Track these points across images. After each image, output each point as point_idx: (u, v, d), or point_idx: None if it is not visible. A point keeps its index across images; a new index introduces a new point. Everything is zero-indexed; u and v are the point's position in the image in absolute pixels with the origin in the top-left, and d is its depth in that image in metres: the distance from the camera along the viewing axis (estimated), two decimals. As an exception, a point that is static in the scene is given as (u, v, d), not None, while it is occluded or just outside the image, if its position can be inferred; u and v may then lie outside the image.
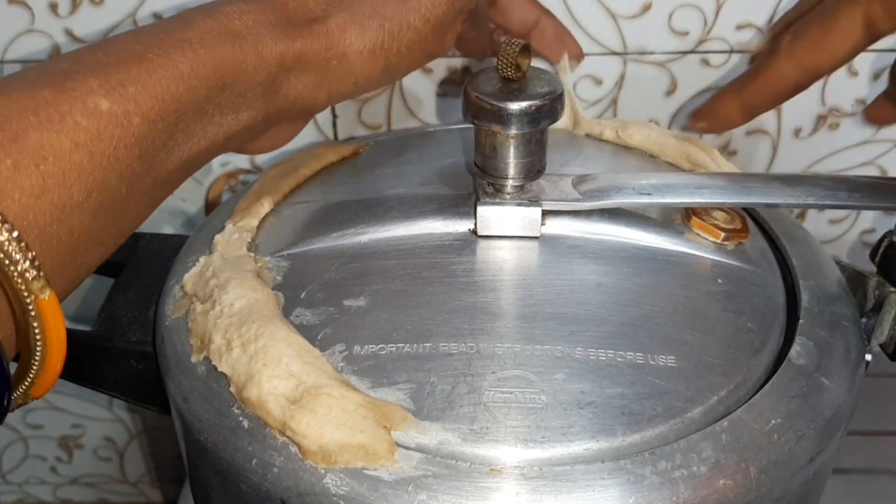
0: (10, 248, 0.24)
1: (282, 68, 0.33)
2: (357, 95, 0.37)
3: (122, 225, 0.30)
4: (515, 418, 0.30)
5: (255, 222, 0.40)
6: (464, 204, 0.39)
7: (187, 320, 0.36)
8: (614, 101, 0.54)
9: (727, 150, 0.56)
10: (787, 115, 0.54)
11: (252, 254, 0.38)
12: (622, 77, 0.53)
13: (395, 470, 0.29)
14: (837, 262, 0.40)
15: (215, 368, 0.33)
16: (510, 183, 0.37)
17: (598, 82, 0.53)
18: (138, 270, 0.42)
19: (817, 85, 0.53)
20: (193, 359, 0.34)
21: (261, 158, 0.58)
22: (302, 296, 0.36)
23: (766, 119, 0.55)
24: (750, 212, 0.42)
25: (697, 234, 0.39)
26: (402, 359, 0.33)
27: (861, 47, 0.39)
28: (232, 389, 0.32)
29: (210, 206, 0.60)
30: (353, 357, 0.33)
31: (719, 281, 0.37)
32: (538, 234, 0.38)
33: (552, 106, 0.35)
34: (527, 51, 0.36)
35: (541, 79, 0.36)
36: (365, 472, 0.29)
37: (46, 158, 0.26)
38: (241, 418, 0.32)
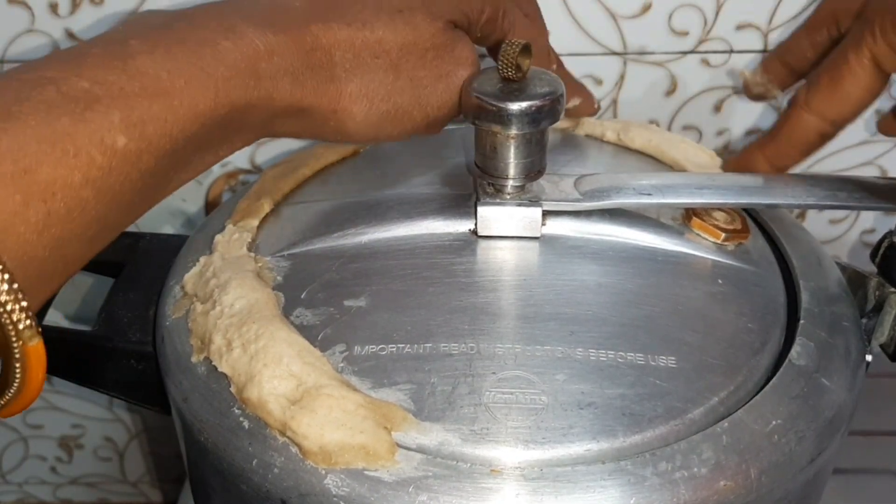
0: (4, 296, 0.24)
1: (286, 114, 0.33)
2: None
3: (108, 242, 0.29)
4: (516, 419, 0.30)
5: (255, 222, 0.40)
6: (464, 204, 0.39)
7: (187, 320, 0.36)
8: (614, 102, 0.54)
9: (727, 151, 0.56)
10: (788, 115, 0.54)
11: (252, 254, 0.38)
12: (622, 77, 0.53)
13: (396, 471, 0.29)
14: (838, 262, 0.40)
15: (215, 368, 0.33)
16: (510, 183, 0.37)
17: (599, 82, 0.53)
18: (138, 270, 0.42)
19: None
20: (193, 359, 0.34)
21: (261, 158, 0.58)
22: (302, 296, 0.35)
23: (767, 119, 0.55)
24: (750, 212, 0.42)
25: (698, 234, 0.39)
26: (403, 359, 0.33)
27: (877, 89, 0.39)
28: (232, 390, 0.32)
29: (210, 206, 0.60)
30: (353, 357, 0.33)
31: (720, 281, 0.37)
32: (538, 235, 0.38)
33: (552, 106, 0.35)
34: (527, 51, 0.35)
35: (541, 79, 0.36)
36: (365, 472, 0.29)
37: (55, 194, 0.25)
38: (241, 419, 0.32)
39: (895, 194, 0.38)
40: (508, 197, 0.38)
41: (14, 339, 0.25)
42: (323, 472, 0.30)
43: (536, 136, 0.36)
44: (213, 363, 0.33)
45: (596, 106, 0.46)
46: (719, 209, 0.39)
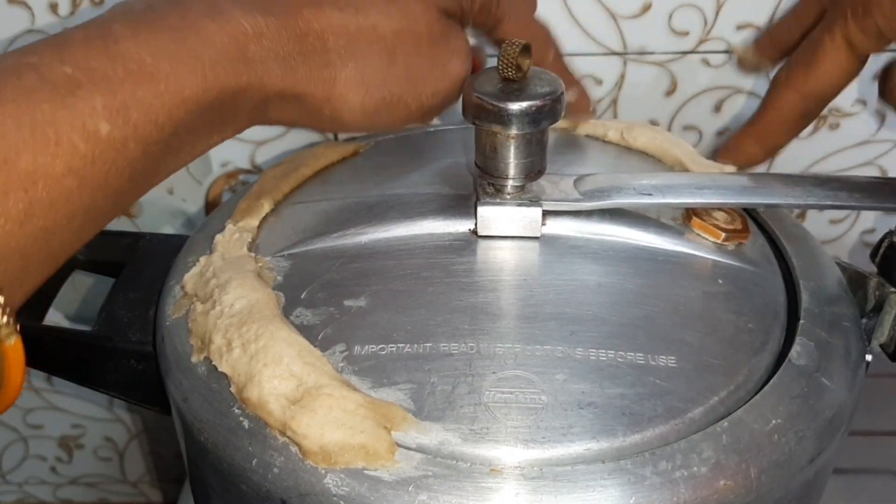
0: None
1: (279, 100, 0.32)
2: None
3: (97, 230, 0.29)
4: (516, 418, 0.30)
5: (256, 222, 0.40)
6: (464, 204, 0.39)
7: (187, 320, 0.36)
8: (614, 101, 0.54)
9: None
10: (788, 115, 0.54)
11: (252, 254, 0.38)
12: (622, 77, 0.53)
13: (396, 470, 0.29)
14: (838, 262, 0.40)
15: (215, 368, 0.33)
16: (510, 183, 0.37)
17: (599, 82, 0.53)
18: (138, 270, 0.42)
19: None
20: (193, 359, 0.34)
21: (261, 158, 0.58)
22: (302, 296, 0.35)
23: (767, 119, 0.55)
24: (750, 212, 0.42)
25: (698, 234, 0.39)
26: (403, 359, 0.33)
27: (852, 68, 0.41)
28: (232, 389, 0.32)
29: (210, 206, 0.60)
30: (353, 357, 0.33)
31: (720, 281, 0.37)
32: (538, 235, 0.38)
33: (553, 106, 0.35)
34: (527, 51, 0.36)
35: (541, 79, 0.36)
36: (365, 472, 0.29)
37: (36, 183, 0.24)
38: (241, 418, 0.32)
39: (895, 194, 0.38)
40: (508, 197, 0.38)
41: None
42: (323, 471, 0.30)
43: (536, 136, 0.36)
44: (213, 363, 0.33)
45: (592, 107, 0.46)
46: (719, 209, 0.39)
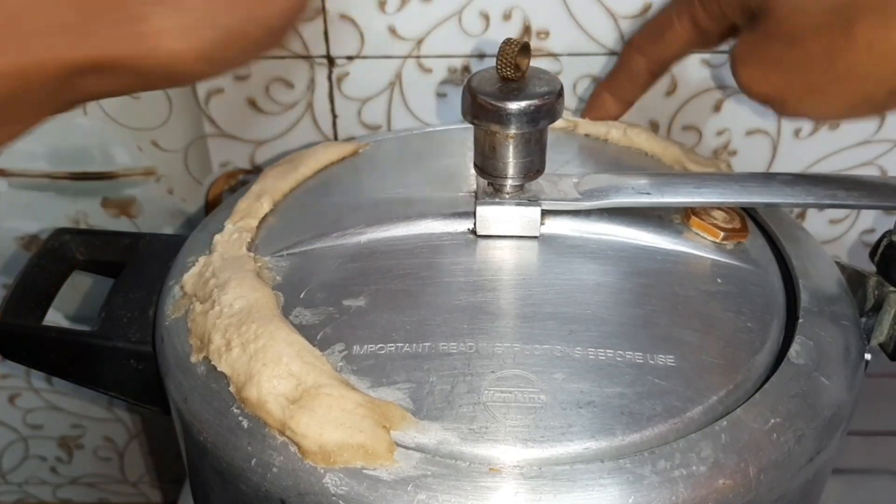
0: None
1: (79, 74, 0.27)
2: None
3: None
4: (515, 418, 0.30)
5: (255, 222, 0.40)
6: (464, 204, 0.39)
7: (187, 320, 0.36)
8: (614, 101, 0.54)
9: (727, 151, 0.56)
10: (787, 114, 0.54)
11: (252, 254, 0.38)
12: (622, 77, 0.53)
13: (395, 469, 0.29)
14: (837, 261, 0.40)
15: (215, 368, 0.33)
16: (510, 183, 0.37)
17: (598, 82, 0.53)
18: (138, 270, 0.42)
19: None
20: (193, 359, 0.34)
21: (261, 158, 0.58)
22: (302, 296, 0.36)
23: (767, 119, 0.55)
24: (750, 212, 0.42)
25: (697, 233, 0.39)
26: (402, 358, 0.33)
27: (696, 42, 0.44)
28: (231, 389, 0.32)
29: (210, 206, 0.60)
30: (352, 357, 0.33)
31: (719, 280, 0.37)
32: (538, 234, 0.38)
33: (552, 106, 0.35)
34: (526, 50, 0.36)
35: (540, 79, 0.36)
36: (364, 471, 0.29)
37: None
38: (240, 418, 0.32)
39: (895, 194, 0.38)
40: (507, 196, 0.38)
41: None
42: (322, 471, 0.30)
43: (535, 135, 0.36)
44: (212, 363, 0.33)
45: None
46: (718, 208, 0.39)
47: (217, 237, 0.39)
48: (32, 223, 0.62)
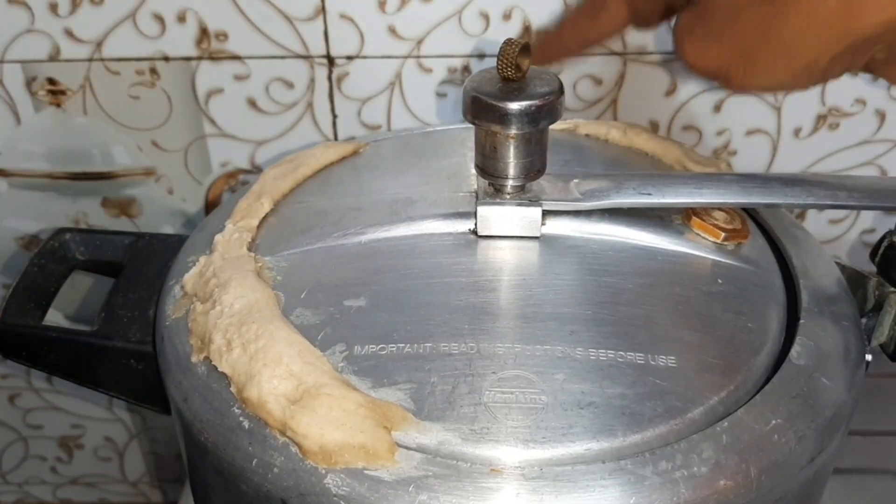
0: None
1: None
2: None
3: None
4: (516, 418, 0.30)
5: (255, 222, 0.40)
6: (464, 204, 0.39)
7: (187, 320, 0.36)
8: (614, 101, 0.54)
9: (727, 151, 0.56)
10: (787, 115, 0.55)
11: (252, 254, 0.38)
12: (622, 77, 0.53)
13: (396, 470, 0.29)
14: (837, 262, 0.40)
15: (215, 368, 0.33)
16: (510, 183, 0.37)
17: (598, 82, 0.53)
18: (138, 270, 0.42)
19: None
20: (193, 359, 0.34)
21: (261, 158, 0.58)
22: (302, 296, 0.35)
23: (767, 119, 0.55)
24: (750, 212, 0.42)
25: (697, 234, 0.39)
26: (403, 359, 0.33)
27: (629, 22, 0.42)
28: (232, 389, 0.32)
29: (210, 206, 0.60)
30: (353, 357, 0.33)
31: (719, 281, 0.37)
32: (538, 234, 0.38)
33: (552, 106, 0.35)
34: (527, 51, 0.35)
35: (541, 79, 0.36)
36: (365, 472, 0.29)
37: None
38: (241, 418, 0.32)
39: (895, 194, 0.38)
40: (508, 197, 0.38)
41: None
42: (323, 471, 0.30)
43: (536, 135, 0.36)
44: (212, 363, 0.33)
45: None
46: (719, 209, 0.39)
47: (217, 237, 0.39)
48: (32, 223, 0.62)
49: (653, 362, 0.32)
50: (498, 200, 0.38)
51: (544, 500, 0.29)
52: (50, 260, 0.44)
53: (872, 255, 0.37)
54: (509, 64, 0.35)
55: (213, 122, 0.56)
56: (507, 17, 0.51)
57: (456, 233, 0.38)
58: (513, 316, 0.34)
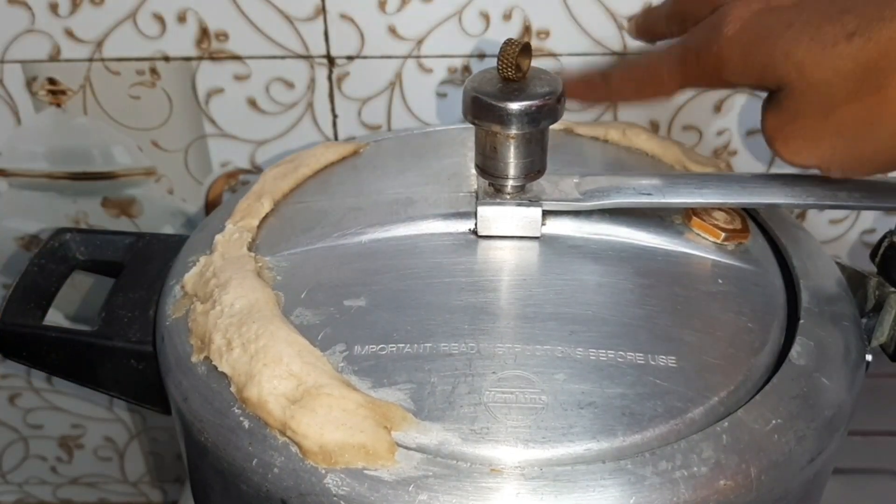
0: None
1: None
2: None
3: None
4: (516, 418, 0.30)
5: (256, 222, 0.40)
6: (464, 204, 0.39)
7: (187, 320, 0.36)
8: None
9: (727, 151, 0.56)
10: (788, 115, 0.54)
11: (252, 254, 0.38)
12: (622, 77, 0.53)
13: (396, 470, 0.29)
14: (837, 262, 0.40)
15: (215, 368, 0.33)
16: (510, 183, 0.37)
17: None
18: (138, 270, 0.42)
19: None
20: (193, 359, 0.34)
21: (261, 158, 0.58)
22: (302, 296, 0.35)
23: (767, 119, 0.55)
24: (750, 212, 0.42)
25: (698, 234, 0.39)
26: (403, 359, 0.33)
27: (674, 94, 0.40)
28: (232, 389, 0.32)
29: (210, 206, 0.60)
30: (353, 357, 0.33)
31: (719, 281, 0.37)
32: (538, 234, 0.38)
33: (552, 106, 0.35)
34: (527, 51, 0.35)
35: (541, 79, 0.36)
36: (365, 472, 0.29)
37: None
38: (241, 418, 0.32)
39: (895, 194, 0.38)
40: (508, 197, 0.38)
41: None
42: (323, 471, 0.30)
43: (536, 135, 0.36)
44: (213, 363, 0.33)
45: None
46: (719, 209, 0.39)
47: (218, 237, 0.39)
48: (32, 223, 0.62)
49: (653, 362, 0.32)
50: (498, 200, 0.38)
51: (544, 500, 0.29)
52: (50, 260, 0.44)
53: (872, 255, 0.37)
54: (509, 64, 0.35)
55: (213, 122, 0.56)
56: (507, 17, 0.51)
57: (456, 233, 0.38)
58: (513, 316, 0.34)
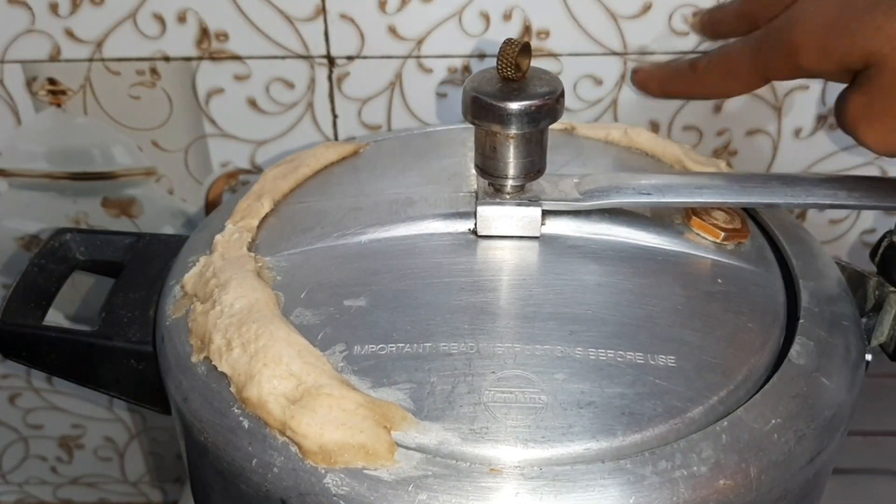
0: None
1: None
2: None
3: None
4: (515, 418, 0.30)
5: (255, 222, 0.40)
6: (464, 204, 0.39)
7: (187, 320, 0.36)
8: (614, 102, 0.54)
9: (727, 151, 0.56)
10: (788, 115, 0.55)
11: (252, 254, 0.38)
12: (622, 77, 0.53)
13: (396, 470, 0.29)
14: (837, 262, 0.40)
15: (215, 368, 0.33)
16: (510, 183, 0.37)
17: (599, 82, 0.53)
18: (138, 270, 0.42)
19: (817, 85, 0.53)
20: (193, 359, 0.34)
21: (261, 158, 0.58)
22: (302, 296, 0.36)
23: (767, 119, 0.55)
24: (750, 212, 0.42)
25: (697, 234, 0.39)
26: (403, 359, 0.33)
27: (760, 85, 0.42)
28: (232, 389, 0.32)
29: (210, 206, 0.60)
30: (353, 357, 0.33)
31: (719, 281, 0.37)
32: (538, 234, 0.38)
33: (552, 106, 0.35)
34: (527, 51, 0.35)
35: (541, 79, 0.36)
36: (365, 472, 0.29)
37: None
38: (241, 418, 0.32)
39: (895, 194, 0.38)
40: (508, 197, 0.38)
41: None
42: (322, 471, 0.30)
43: (536, 135, 0.36)
44: (212, 363, 0.33)
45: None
46: (719, 209, 0.39)
47: (218, 237, 0.39)
48: (32, 223, 0.62)
49: (652, 362, 0.32)
50: (498, 200, 0.38)
51: (544, 500, 0.29)
52: (50, 260, 0.44)
53: (872, 255, 0.37)
54: (509, 64, 0.35)
55: (213, 122, 0.56)
56: (507, 17, 0.51)
57: (456, 233, 0.38)
58: (512, 316, 0.34)
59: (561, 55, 0.53)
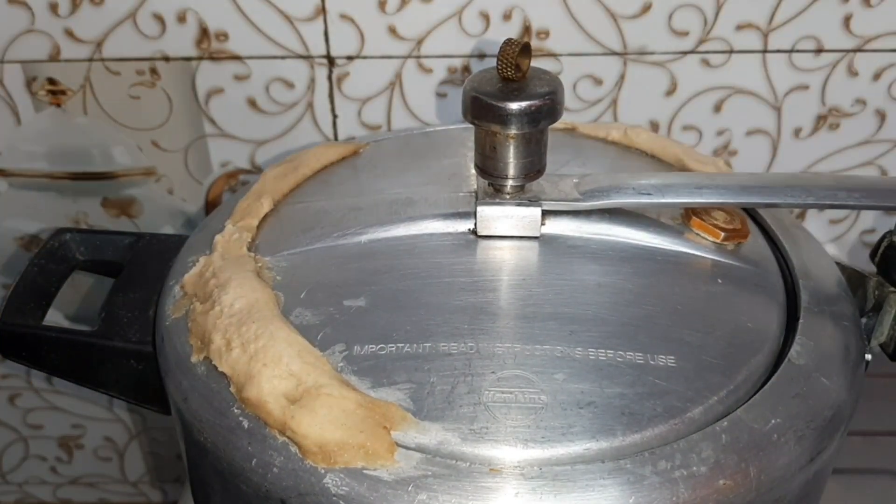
0: None
1: None
2: None
3: None
4: (515, 418, 0.30)
5: (255, 222, 0.40)
6: (464, 204, 0.39)
7: (187, 320, 0.36)
8: (614, 102, 0.54)
9: (727, 151, 0.56)
10: (787, 115, 0.55)
11: (252, 254, 0.38)
12: (622, 77, 0.53)
13: (395, 470, 0.29)
14: (837, 262, 0.40)
15: (215, 368, 0.33)
16: (510, 183, 0.37)
17: (598, 82, 0.53)
18: (138, 270, 0.42)
19: (817, 85, 0.53)
20: (193, 359, 0.34)
21: (261, 158, 0.58)
22: (302, 296, 0.36)
23: (766, 119, 0.55)
24: (750, 212, 0.42)
25: (697, 234, 0.39)
26: (402, 359, 0.33)
27: None
28: (232, 389, 0.32)
29: (210, 206, 0.60)
30: (352, 357, 0.33)
31: (719, 281, 0.37)
32: (538, 234, 0.38)
33: (552, 106, 0.35)
34: (527, 51, 0.35)
35: (541, 79, 0.36)
36: (365, 472, 0.29)
37: None
38: (240, 418, 0.32)
39: (895, 194, 0.38)
40: (508, 197, 0.38)
41: None
42: (322, 471, 0.30)
43: (536, 135, 0.36)
44: (212, 363, 0.33)
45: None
46: (719, 209, 0.39)
47: (217, 237, 0.39)
48: (32, 223, 0.62)
49: (652, 362, 0.32)
50: (498, 200, 0.38)
51: (544, 500, 0.29)
52: (50, 260, 0.44)
53: (872, 255, 0.37)
54: (509, 64, 0.35)
55: (213, 122, 0.56)
56: (507, 17, 0.51)
57: (456, 233, 0.38)
58: (512, 316, 0.34)
59: (561, 55, 0.53)
